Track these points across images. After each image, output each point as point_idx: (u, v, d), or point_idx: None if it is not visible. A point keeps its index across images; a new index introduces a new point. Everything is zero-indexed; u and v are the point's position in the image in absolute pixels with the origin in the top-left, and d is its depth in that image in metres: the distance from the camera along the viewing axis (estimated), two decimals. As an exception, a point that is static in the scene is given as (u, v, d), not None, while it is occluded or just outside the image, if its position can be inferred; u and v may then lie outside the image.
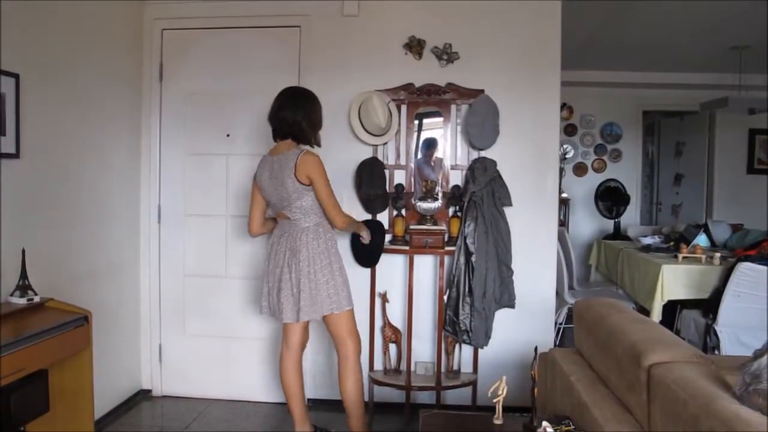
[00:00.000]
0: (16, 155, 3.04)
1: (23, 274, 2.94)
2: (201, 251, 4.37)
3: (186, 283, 4.38)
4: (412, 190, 4.07)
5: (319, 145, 3.47)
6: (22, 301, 2.90)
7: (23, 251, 2.95)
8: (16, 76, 3.01)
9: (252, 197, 3.52)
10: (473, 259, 3.84)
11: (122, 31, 4.10)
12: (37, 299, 2.97)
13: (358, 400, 3.46)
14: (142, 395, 4.40)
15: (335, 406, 4.15)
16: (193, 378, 4.40)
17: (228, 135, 4.29)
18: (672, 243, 5.38)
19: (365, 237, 3.76)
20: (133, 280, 4.30)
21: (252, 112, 4.24)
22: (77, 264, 3.61)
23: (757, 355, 1.65)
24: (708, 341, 4.33)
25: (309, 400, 4.28)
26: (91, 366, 3.07)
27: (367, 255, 3.98)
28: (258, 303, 3.60)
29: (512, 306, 4.04)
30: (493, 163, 3.94)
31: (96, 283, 3.80)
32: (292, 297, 3.28)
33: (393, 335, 4.09)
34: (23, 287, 2.93)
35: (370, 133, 3.99)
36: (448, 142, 4.11)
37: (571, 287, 5.63)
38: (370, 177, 4.02)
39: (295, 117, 3.29)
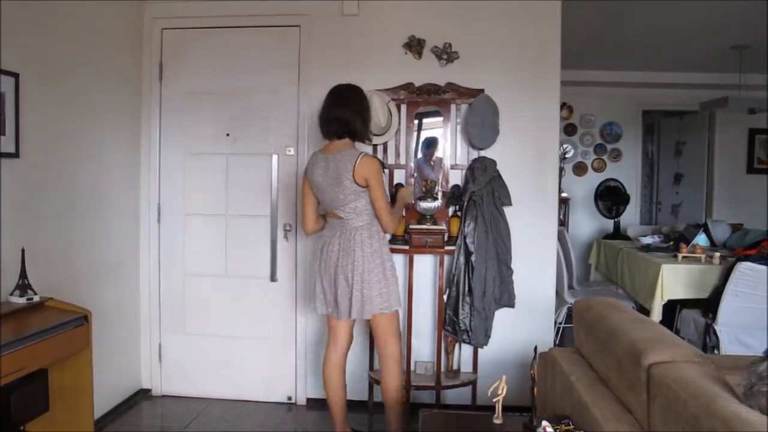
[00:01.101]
0: (15, 155, 3.04)
1: (23, 274, 2.94)
2: (201, 250, 4.36)
3: (186, 282, 4.38)
4: (412, 190, 4.07)
5: (370, 141, 3.49)
6: (22, 301, 2.90)
7: (23, 251, 2.95)
8: (16, 76, 3.01)
9: (304, 195, 3.48)
10: (473, 258, 3.84)
11: (122, 31, 4.10)
12: (36, 299, 2.97)
13: (399, 400, 3.46)
14: (142, 395, 4.40)
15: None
16: (193, 377, 4.40)
17: (228, 134, 4.29)
18: (672, 242, 5.38)
19: (411, 200, 3.81)
20: (133, 279, 4.30)
21: (252, 111, 4.24)
22: (77, 263, 3.61)
23: (766, 356, 1.65)
24: (708, 341, 4.33)
25: (308, 399, 4.29)
26: (91, 365, 3.07)
27: None
28: (311, 303, 3.57)
29: (512, 305, 4.04)
30: (493, 162, 3.94)
31: (96, 283, 3.80)
32: (348, 296, 3.27)
33: (393, 335, 4.08)
34: (23, 287, 2.93)
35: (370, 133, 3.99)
36: (448, 142, 4.11)
37: (570, 287, 5.63)
38: (370, 176, 4.01)
39: (349, 115, 3.27)
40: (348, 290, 3.26)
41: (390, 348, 3.41)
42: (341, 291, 3.28)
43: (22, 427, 2.87)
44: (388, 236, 3.51)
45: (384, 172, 3.51)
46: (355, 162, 3.18)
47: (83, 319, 2.99)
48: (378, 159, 3.29)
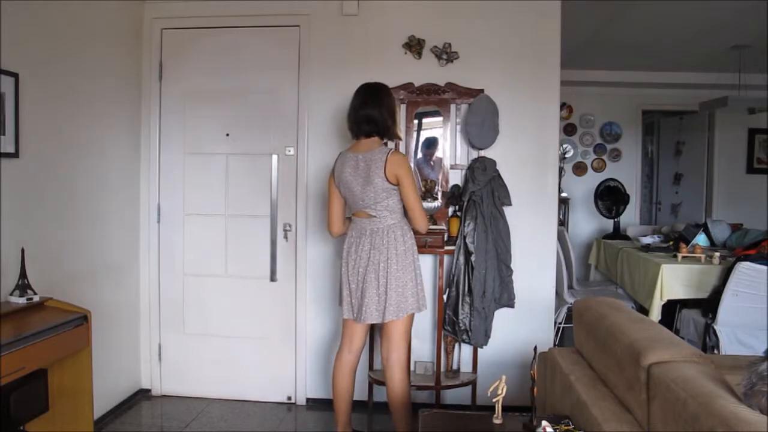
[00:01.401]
0: (15, 155, 3.04)
1: (23, 274, 2.94)
2: (201, 250, 4.36)
3: (186, 282, 4.38)
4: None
5: (400, 138, 3.51)
6: (22, 301, 2.90)
7: (22, 251, 2.95)
8: (16, 76, 3.01)
9: (331, 196, 3.45)
10: (473, 258, 3.85)
11: (122, 31, 4.10)
12: (36, 299, 2.97)
13: (406, 403, 3.38)
14: (142, 395, 4.40)
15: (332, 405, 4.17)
16: (193, 377, 4.40)
17: (228, 134, 4.29)
18: (671, 242, 5.38)
19: None
20: (133, 279, 4.30)
21: (251, 111, 4.24)
22: (77, 263, 3.61)
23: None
24: (707, 340, 4.33)
25: (308, 399, 4.29)
26: (91, 365, 3.07)
27: None
28: (339, 305, 3.51)
29: (512, 305, 4.04)
30: (493, 162, 3.95)
31: (95, 283, 3.80)
32: (377, 297, 3.23)
33: (392, 335, 4.08)
34: (23, 287, 2.93)
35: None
36: (448, 142, 4.11)
37: (570, 287, 5.63)
38: (369, 176, 4.01)
39: (380, 114, 3.27)
40: (382, 291, 3.21)
41: (400, 352, 3.35)
42: (369, 293, 3.22)
43: (21, 427, 2.87)
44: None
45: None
46: (386, 159, 3.17)
47: (83, 319, 3.00)
48: (405, 155, 3.28)
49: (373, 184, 3.19)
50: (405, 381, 3.37)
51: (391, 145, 3.63)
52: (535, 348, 2.58)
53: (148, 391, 4.43)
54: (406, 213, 3.32)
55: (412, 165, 4.09)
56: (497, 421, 2.46)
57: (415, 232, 3.36)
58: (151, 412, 4.22)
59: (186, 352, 4.40)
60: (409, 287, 3.24)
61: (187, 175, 4.35)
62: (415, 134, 4.13)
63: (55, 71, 3.36)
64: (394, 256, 3.21)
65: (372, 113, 3.26)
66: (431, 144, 4.14)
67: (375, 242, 3.23)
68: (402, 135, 3.62)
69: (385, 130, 3.31)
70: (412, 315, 3.36)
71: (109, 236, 3.96)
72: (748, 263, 4.12)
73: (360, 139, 3.32)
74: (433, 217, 3.94)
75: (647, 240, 5.57)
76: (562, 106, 7.79)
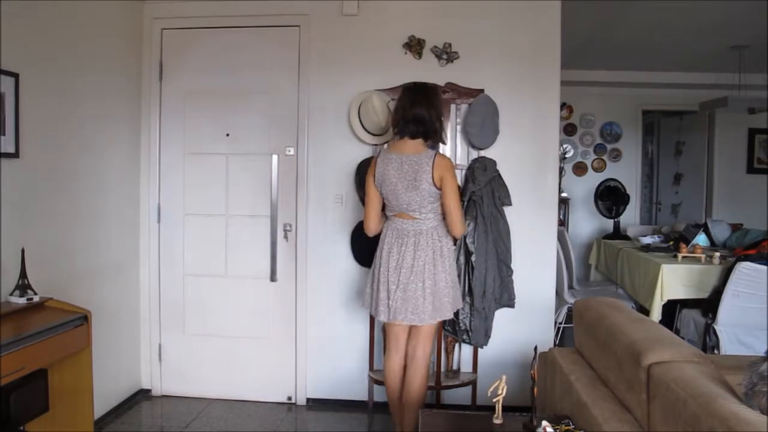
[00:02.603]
0: (15, 155, 3.04)
1: (23, 274, 2.94)
2: (201, 250, 4.36)
3: (186, 282, 4.38)
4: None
5: (445, 142, 3.53)
6: (22, 301, 2.90)
7: (23, 251, 2.95)
8: (16, 76, 3.01)
9: (369, 195, 3.37)
10: (473, 258, 3.84)
11: (122, 31, 4.10)
12: (36, 299, 2.96)
13: (420, 402, 3.37)
14: (142, 395, 4.40)
15: (333, 406, 4.18)
16: (193, 378, 4.40)
17: (228, 134, 4.28)
18: (672, 242, 5.38)
19: None
20: (133, 279, 4.30)
21: (251, 111, 4.25)
22: (77, 263, 3.61)
23: None
24: (707, 340, 4.33)
25: (308, 399, 4.29)
26: (91, 365, 3.07)
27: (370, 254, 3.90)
28: (365, 303, 3.48)
29: (512, 305, 4.04)
30: (493, 162, 3.95)
31: (96, 283, 3.80)
32: (422, 299, 3.20)
33: (393, 335, 4.08)
34: (23, 287, 2.93)
35: (370, 133, 3.99)
36: (448, 142, 4.11)
37: (570, 287, 5.63)
38: (369, 176, 4.01)
39: (429, 115, 3.23)
40: (429, 293, 3.19)
41: (427, 350, 3.36)
42: (414, 294, 3.19)
43: (21, 427, 2.87)
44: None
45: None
46: (433, 162, 3.15)
47: (83, 319, 2.99)
48: (450, 159, 3.27)
49: (420, 189, 3.15)
50: (426, 378, 3.39)
51: (437, 147, 3.61)
52: (536, 348, 2.58)
53: (149, 391, 4.43)
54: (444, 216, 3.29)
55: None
56: (497, 421, 2.46)
57: (453, 237, 3.34)
58: (151, 412, 4.22)
59: (186, 352, 4.40)
60: (448, 290, 3.25)
61: (187, 175, 4.35)
62: (415, 134, 4.13)
63: (55, 71, 3.36)
64: (439, 257, 3.21)
65: (422, 113, 3.22)
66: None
67: (420, 243, 3.21)
68: (447, 139, 3.58)
69: (433, 133, 3.28)
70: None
71: (109, 236, 3.96)
72: (748, 263, 4.12)
73: (404, 138, 3.27)
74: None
75: (647, 240, 5.57)
76: (563, 106, 7.80)
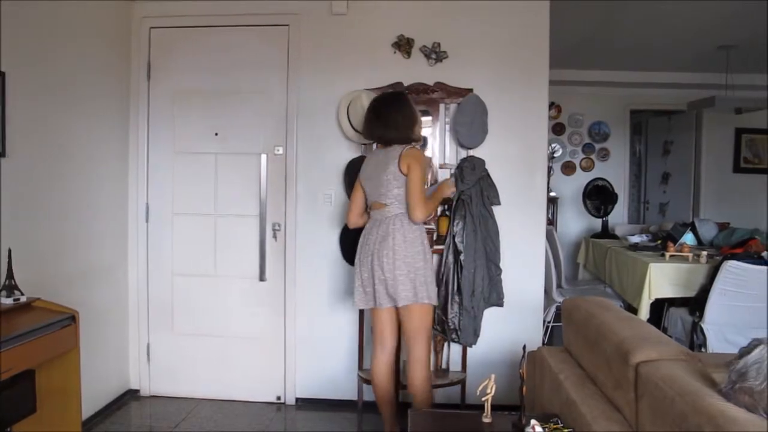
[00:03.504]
0: (2, 154, 3.01)
1: (9, 274, 2.92)
2: (189, 250, 4.35)
3: (174, 282, 4.36)
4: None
5: (419, 141, 3.55)
6: (9, 301, 2.87)
7: (9, 251, 2.92)
8: (3, 75, 2.99)
9: (354, 189, 3.53)
10: (462, 257, 3.85)
11: (110, 30, 4.08)
12: (23, 299, 2.94)
13: (426, 400, 3.37)
14: (130, 395, 4.38)
15: (322, 405, 4.17)
16: (182, 377, 4.38)
17: (216, 134, 4.27)
18: (659, 241, 5.41)
19: (452, 190, 3.68)
20: (121, 279, 4.28)
21: (241, 110, 4.23)
22: (64, 263, 3.59)
23: (743, 353, 1.67)
24: (695, 339, 4.35)
25: (298, 399, 4.29)
26: (79, 366, 3.05)
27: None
28: (350, 296, 3.54)
29: (501, 304, 4.04)
30: (482, 161, 3.95)
31: (84, 283, 3.77)
32: (386, 282, 3.24)
33: (382, 334, 4.08)
34: (9, 287, 2.91)
35: (359, 132, 3.98)
36: (437, 141, 4.11)
37: (559, 286, 5.64)
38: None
39: (390, 135, 3.34)
40: (390, 276, 3.22)
41: (418, 349, 3.35)
42: (380, 278, 3.25)
43: (8, 429, 2.85)
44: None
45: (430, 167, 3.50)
46: (402, 150, 3.26)
47: (71, 319, 2.98)
48: (422, 152, 3.38)
49: (387, 171, 3.25)
50: (427, 379, 3.37)
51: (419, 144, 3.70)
52: (524, 347, 2.59)
53: (137, 391, 4.41)
54: None
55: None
56: (486, 420, 2.46)
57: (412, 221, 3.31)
58: (140, 412, 4.20)
59: (175, 352, 4.38)
60: (420, 274, 3.25)
61: (175, 175, 4.33)
62: (404, 134, 4.13)
63: (42, 70, 3.34)
64: (401, 242, 3.23)
65: (383, 134, 3.36)
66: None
67: (382, 230, 3.27)
68: (421, 138, 3.68)
69: (405, 139, 3.34)
70: (429, 309, 3.35)
71: (97, 236, 3.94)
72: (735, 262, 4.14)
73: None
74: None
75: (635, 239, 5.59)
76: (551, 105, 7.82)
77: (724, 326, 4.24)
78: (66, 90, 3.57)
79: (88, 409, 3.65)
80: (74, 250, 3.69)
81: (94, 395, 3.85)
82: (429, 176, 3.60)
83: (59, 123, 3.51)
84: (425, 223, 3.89)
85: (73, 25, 3.62)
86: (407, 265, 3.22)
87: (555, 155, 8.30)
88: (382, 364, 3.45)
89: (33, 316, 2.86)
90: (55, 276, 3.48)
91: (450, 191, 3.63)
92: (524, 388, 2.47)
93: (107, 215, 4.07)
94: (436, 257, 3.99)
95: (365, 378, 3.92)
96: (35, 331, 2.73)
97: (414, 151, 3.28)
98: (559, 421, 2.33)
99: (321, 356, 4.23)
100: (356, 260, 3.40)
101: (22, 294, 2.95)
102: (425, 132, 4.11)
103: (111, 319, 4.14)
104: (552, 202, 7.95)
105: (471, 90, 4.03)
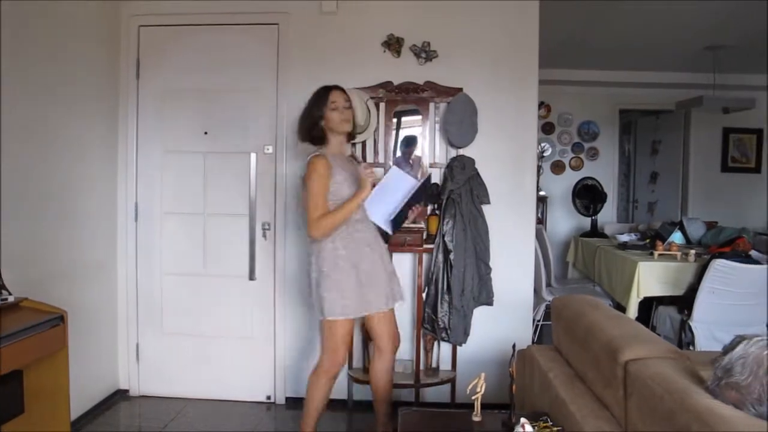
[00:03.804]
0: (-11, 153, 3.00)
1: (-3, 274, 2.90)
2: (179, 249, 4.33)
3: (164, 281, 4.34)
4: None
5: (302, 140, 3.35)
6: (-4, 301, 2.86)
7: (-3, 250, 2.91)
8: (-10, 73, 2.97)
9: None
10: (451, 256, 3.86)
11: (99, 28, 4.05)
12: (11, 299, 2.92)
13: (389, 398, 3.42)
14: (120, 395, 4.36)
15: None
16: (171, 377, 4.36)
17: (206, 133, 4.26)
18: (648, 240, 5.43)
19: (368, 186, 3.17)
20: (110, 278, 4.26)
21: (230, 109, 4.22)
22: (52, 263, 3.57)
23: (727, 350, 1.68)
24: (683, 337, 4.38)
25: (288, 399, 4.28)
26: (67, 366, 3.03)
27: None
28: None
29: (490, 303, 4.05)
30: (472, 161, 3.96)
31: (72, 282, 3.75)
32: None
33: (372, 333, 4.08)
34: (-3, 287, 2.89)
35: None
36: (427, 140, 4.12)
37: (548, 284, 5.66)
38: (349, 175, 4.01)
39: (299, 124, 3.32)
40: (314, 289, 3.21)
41: (320, 359, 3.33)
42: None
43: (-4, 429, 2.84)
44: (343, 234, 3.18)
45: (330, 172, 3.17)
46: (307, 159, 3.21)
47: (59, 319, 2.96)
48: (326, 161, 3.13)
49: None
50: (309, 389, 3.34)
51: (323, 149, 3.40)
52: (514, 346, 2.60)
53: (126, 391, 4.39)
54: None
55: (391, 163, 4.09)
56: (476, 418, 2.47)
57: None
58: (129, 412, 4.19)
59: (164, 352, 4.36)
60: (311, 290, 3.23)
61: (164, 174, 4.31)
62: (394, 133, 4.14)
63: (30, 68, 3.32)
64: (314, 259, 3.20)
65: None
66: (410, 142, 4.15)
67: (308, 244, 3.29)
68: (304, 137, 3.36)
69: (307, 140, 3.29)
70: (336, 322, 3.17)
71: (85, 235, 3.92)
72: (722, 260, 4.17)
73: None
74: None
75: (624, 238, 5.62)
76: (541, 104, 7.85)
77: (712, 324, 4.27)
78: (54, 88, 3.55)
79: (76, 409, 3.63)
80: (63, 249, 3.67)
81: (82, 395, 3.83)
82: (346, 184, 3.23)
83: (47, 121, 3.49)
84: (414, 222, 3.92)
85: (60, 24, 3.60)
86: (310, 278, 3.25)
87: (544, 154, 8.32)
88: (384, 368, 3.43)
89: (21, 316, 2.84)
90: (44, 276, 3.45)
91: (365, 193, 3.14)
92: (514, 387, 2.48)
93: (96, 214, 4.05)
94: (426, 256, 4.01)
95: (355, 377, 3.93)
96: (23, 331, 2.71)
97: (311, 163, 3.15)
98: (549, 420, 2.34)
99: (311, 356, 4.22)
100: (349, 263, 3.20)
101: (10, 294, 2.93)
102: (415, 131, 4.12)
103: (100, 318, 4.12)
104: (541, 201, 7.97)
105: (461, 89, 4.03)
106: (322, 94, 3.28)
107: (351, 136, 3.41)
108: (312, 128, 3.25)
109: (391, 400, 3.46)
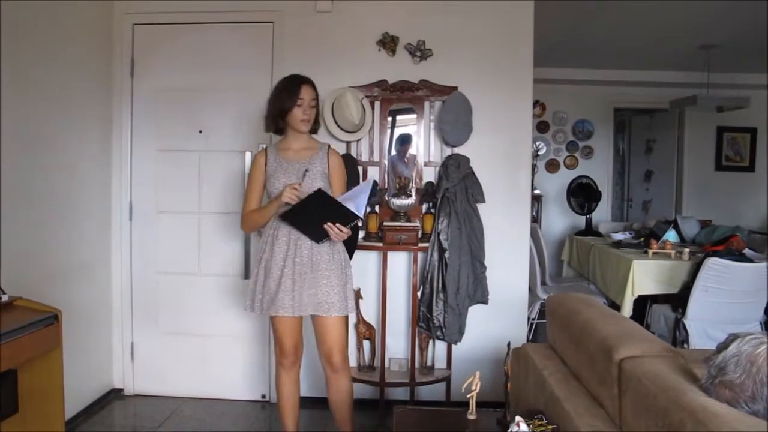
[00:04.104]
0: (-18, 152, 2.98)
1: (-9, 273, 2.89)
2: (173, 248, 4.32)
3: (158, 280, 4.33)
4: (386, 187, 4.07)
5: (266, 130, 3.34)
6: (-10, 300, 2.85)
7: (-9, 249, 2.90)
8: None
9: None
10: (446, 255, 3.86)
11: (92, 26, 4.04)
12: (5, 298, 2.91)
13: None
14: (114, 394, 4.35)
15: (307, 403, 4.16)
16: (166, 376, 4.36)
17: (200, 131, 4.25)
18: (642, 239, 5.44)
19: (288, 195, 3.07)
20: (105, 277, 4.25)
21: (224, 108, 4.22)
22: (47, 262, 3.56)
23: (721, 348, 1.68)
24: (677, 335, 4.39)
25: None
26: (62, 365, 3.02)
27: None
28: None
29: (485, 302, 4.06)
30: (467, 159, 3.96)
31: (66, 281, 3.74)
32: None
33: (367, 332, 4.09)
34: (-9, 286, 2.88)
35: (344, 130, 3.99)
36: (422, 139, 4.12)
37: (543, 283, 5.67)
38: (343, 174, 4.01)
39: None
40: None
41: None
42: None
43: (-10, 429, 2.83)
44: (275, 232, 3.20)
45: (264, 166, 3.23)
46: None
47: (53, 318, 2.94)
48: (264, 153, 3.23)
49: None
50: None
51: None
52: (509, 344, 2.60)
53: (121, 390, 4.38)
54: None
55: (386, 162, 4.10)
56: (471, 416, 2.47)
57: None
58: (124, 411, 4.18)
59: (159, 351, 4.35)
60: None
61: (159, 172, 4.30)
62: (389, 131, 4.14)
63: (24, 67, 3.30)
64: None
65: None
66: (405, 141, 4.15)
67: None
68: (270, 127, 3.34)
69: (268, 128, 3.30)
70: (271, 319, 3.30)
71: (80, 234, 3.91)
72: (716, 259, 4.19)
73: None
74: (407, 214, 3.95)
75: (619, 236, 5.63)
76: (535, 103, 7.83)
77: (706, 322, 4.29)
78: (48, 87, 3.53)
79: (71, 408, 3.62)
80: (57, 248, 3.66)
81: (77, 395, 3.82)
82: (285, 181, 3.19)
83: (41, 120, 3.48)
84: (409, 220, 3.93)
85: (54, 22, 3.58)
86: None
87: (539, 153, 8.32)
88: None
89: (15, 316, 2.83)
90: (38, 274, 3.44)
91: (276, 204, 3.12)
92: (509, 385, 2.49)
93: (90, 213, 4.04)
94: (421, 255, 4.01)
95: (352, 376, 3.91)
96: (17, 330, 2.70)
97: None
98: (544, 418, 2.34)
99: (305, 354, 4.21)
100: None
101: (4, 293, 2.92)
102: (410, 130, 4.12)
103: (94, 317, 4.11)
104: (536, 199, 7.98)
105: (456, 88, 4.03)
106: (294, 88, 3.18)
107: (313, 130, 3.32)
108: (276, 119, 3.22)
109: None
